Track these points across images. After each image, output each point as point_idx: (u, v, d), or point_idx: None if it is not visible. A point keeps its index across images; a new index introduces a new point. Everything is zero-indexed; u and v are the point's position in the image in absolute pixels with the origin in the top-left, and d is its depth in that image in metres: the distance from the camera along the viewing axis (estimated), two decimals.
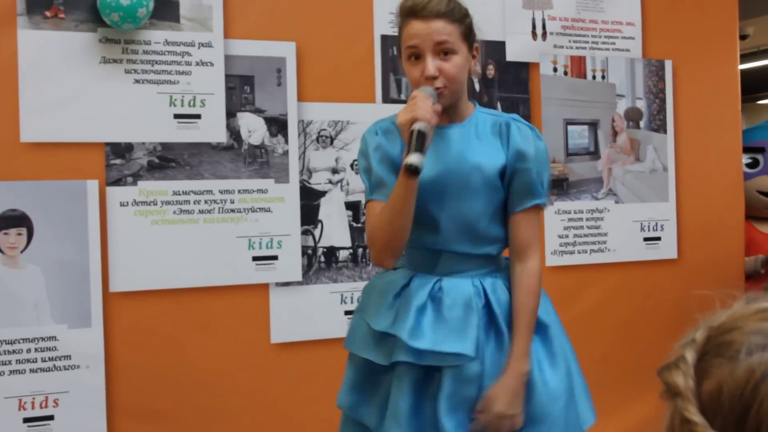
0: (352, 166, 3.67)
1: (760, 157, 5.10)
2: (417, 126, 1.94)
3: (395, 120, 2.07)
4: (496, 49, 4.03)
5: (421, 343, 2.09)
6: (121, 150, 3.28)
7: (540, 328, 2.26)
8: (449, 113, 2.20)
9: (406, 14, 2.10)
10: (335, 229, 3.65)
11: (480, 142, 2.20)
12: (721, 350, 0.87)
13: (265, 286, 3.52)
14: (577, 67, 4.22)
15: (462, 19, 2.14)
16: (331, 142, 3.65)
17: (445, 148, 2.19)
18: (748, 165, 5.04)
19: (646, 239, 4.36)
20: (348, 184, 3.67)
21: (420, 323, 2.11)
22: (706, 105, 4.54)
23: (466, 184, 2.16)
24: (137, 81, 3.29)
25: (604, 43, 4.29)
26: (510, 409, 2.11)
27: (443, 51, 2.07)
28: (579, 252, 4.21)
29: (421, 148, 1.92)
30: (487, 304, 2.19)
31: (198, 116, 3.40)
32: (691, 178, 4.49)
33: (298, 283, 3.57)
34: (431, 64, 2.05)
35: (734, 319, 0.90)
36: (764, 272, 4.66)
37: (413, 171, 1.92)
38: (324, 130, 3.63)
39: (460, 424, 2.10)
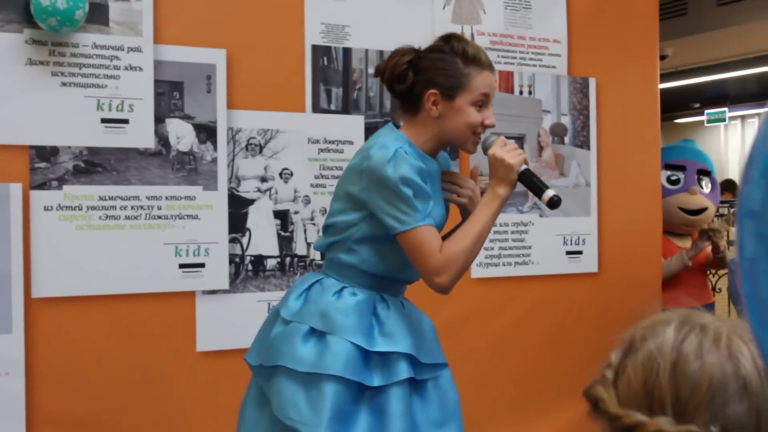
0: (281, 174, 3.70)
1: (681, 175, 5.27)
2: (526, 166, 2.28)
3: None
4: None
5: (422, 358, 2.23)
6: (46, 153, 3.26)
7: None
8: (438, 150, 2.41)
9: (482, 63, 2.29)
10: (263, 238, 3.67)
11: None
12: (628, 350, 1.05)
13: (191, 294, 3.52)
14: (505, 82, 4.32)
15: None
16: (261, 151, 3.67)
17: (436, 183, 2.40)
18: (670, 182, 5.20)
19: (568, 253, 4.48)
20: (276, 192, 3.70)
21: (414, 342, 2.24)
22: (628, 122, 4.69)
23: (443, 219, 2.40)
24: (64, 84, 3.28)
25: (531, 59, 4.40)
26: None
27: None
28: (504, 264, 4.30)
29: (546, 184, 2.26)
30: None
31: (126, 121, 3.39)
32: (612, 193, 4.63)
33: (225, 292, 3.58)
34: (492, 114, 2.32)
35: (635, 328, 1.10)
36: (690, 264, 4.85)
37: (559, 201, 2.24)
38: (253, 138, 3.65)
39: None
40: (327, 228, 2.42)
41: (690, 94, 9.79)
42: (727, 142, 12.01)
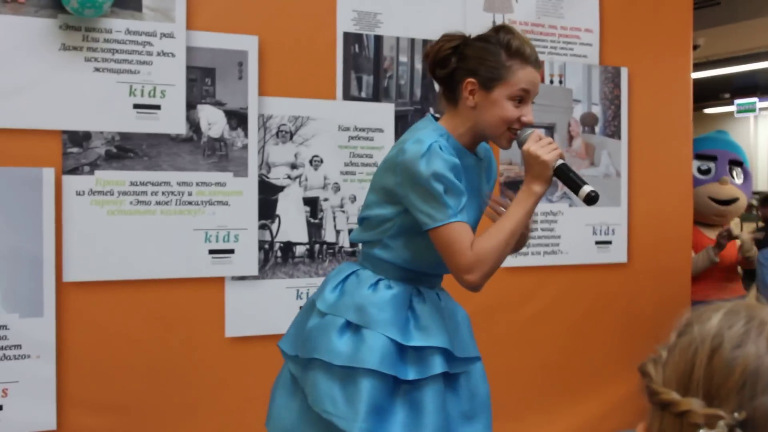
0: (311, 162, 3.70)
1: (712, 164, 5.23)
2: (562, 161, 2.20)
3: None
4: None
5: (457, 352, 2.23)
6: (78, 138, 3.27)
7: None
8: (475, 143, 2.35)
9: (526, 57, 2.22)
10: (292, 225, 3.67)
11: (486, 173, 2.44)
12: (680, 333, 1.06)
13: (220, 280, 3.53)
14: None
15: None
16: (291, 138, 3.66)
17: (479, 181, 2.38)
18: (701, 172, 5.16)
19: (597, 243, 4.45)
20: (306, 179, 3.70)
21: (449, 336, 2.24)
22: (660, 112, 4.66)
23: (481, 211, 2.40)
24: (97, 69, 3.28)
25: (562, 48, 4.37)
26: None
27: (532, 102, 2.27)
28: (533, 254, 4.28)
29: (582, 179, 2.20)
30: None
31: (158, 107, 3.40)
32: (643, 183, 4.59)
33: (254, 278, 3.59)
34: (531, 112, 2.24)
35: (690, 314, 1.09)
36: (718, 260, 4.80)
37: (596, 197, 2.17)
38: (284, 125, 3.65)
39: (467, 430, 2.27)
40: (362, 221, 2.39)
41: (720, 84, 9.70)
42: (757, 133, 11.87)
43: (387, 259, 2.29)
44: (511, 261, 4.15)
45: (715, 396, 0.96)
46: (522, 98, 2.20)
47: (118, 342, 3.35)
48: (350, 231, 3.78)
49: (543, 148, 2.15)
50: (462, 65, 2.25)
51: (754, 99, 10.17)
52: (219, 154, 3.52)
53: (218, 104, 3.53)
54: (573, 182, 2.19)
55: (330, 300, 2.29)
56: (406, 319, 2.21)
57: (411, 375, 2.16)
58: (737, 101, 10.34)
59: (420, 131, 2.25)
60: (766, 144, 11.62)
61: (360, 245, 2.46)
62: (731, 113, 10.73)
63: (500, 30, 2.26)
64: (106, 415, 3.33)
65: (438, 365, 2.17)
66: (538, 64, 2.26)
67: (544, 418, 4.21)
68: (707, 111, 13.07)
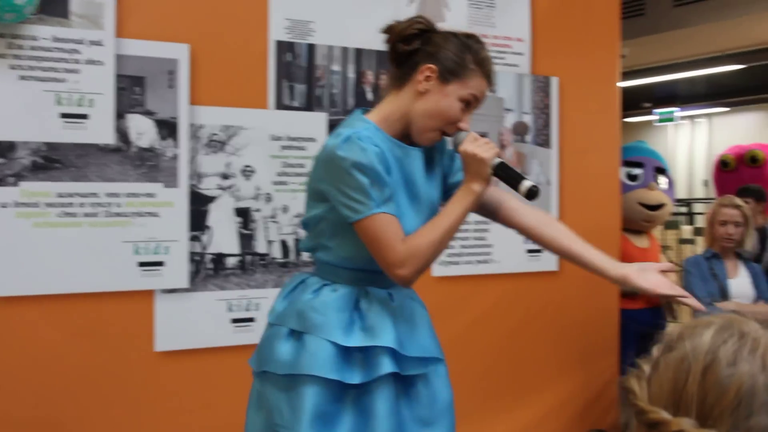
0: (242, 172, 3.65)
1: (640, 171, 5.32)
2: (500, 159, 2.22)
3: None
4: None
5: (408, 351, 2.15)
6: (2, 149, 3.18)
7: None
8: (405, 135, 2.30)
9: (487, 72, 2.31)
10: (224, 236, 3.62)
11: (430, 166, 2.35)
12: (666, 348, 1.03)
13: (150, 293, 3.47)
14: None
15: None
16: (222, 147, 3.61)
17: (421, 174, 2.30)
18: (630, 178, 5.25)
19: (529, 251, 4.48)
20: (238, 190, 3.65)
21: (398, 333, 2.16)
22: (589, 121, 4.72)
23: (433, 203, 2.34)
24: (22, 77, 3.20)
25: (494, 57, 4.33)
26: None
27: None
28: (465, 263, 4.29)
29: (522, 175, 2.19)
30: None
31: (85, 116, 3.32)
32: (573, 192, 4.65)
33: (185, 290, 3.53)
34: (467, 120, 2.28)
35: (677, 326, 1.07)
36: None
37: (538, 192, 2.17)
38: (215, 134, 3.60)
39: None
40: (304, 226, 2.36)
41: (641, 94, 9.89)
42: (676, 141, 12.16)
43: (329, 262, 2.25)
44: (443, 270, 4.19)
45: (708, 416, 0.94)
46: (469, 103, 2.25)
47: (43, 358, 3.26)
48: (282, 242, 3.74)
49: (480, 147, 2.17)
50: (426, 48, 2.26)
51: (674, 108, 10.40)
52: (149, 165, 3.45)
53: (148, 113, 3.46)
54: (512, 178, 2.18)
55: (278, 310, 2.28)
56: (351, 321, 2.15)
57: (357, 378, 2.10)
58: (657, 111, 10.56)
59: (343, 125, 2.24)
60: (684, 152, 11.91)
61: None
62: (651, 122, 10.96)
63: (472, 37, 2.33)
64: None
65: (385, 366, 2.11)
66: (491, 83, 2.32)
67: (480, 426, 4.23)
68: (628, 120, 13.33)
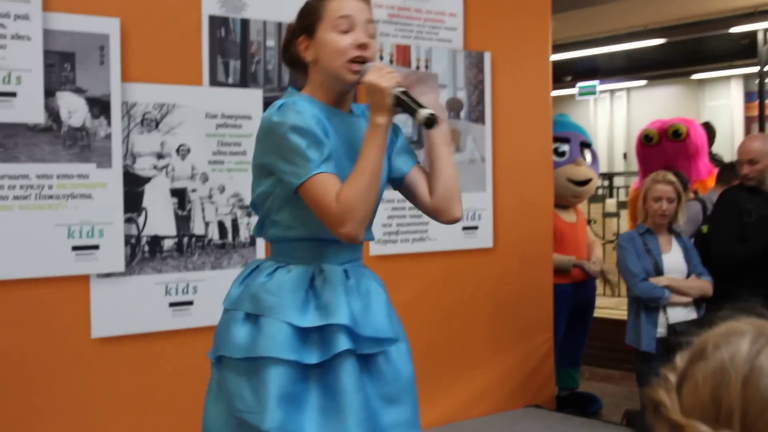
0: (177, 151, 3.59)
1: (566, 147, 5.41)
2: (401, 89, 2.09)
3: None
4: None
5: (363, 330, 2.12)
6: None
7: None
8: (346, 101, 2.26)
9: None
10: (160, 218, 3.57)
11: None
12: (697, 357, 1.00)
13: (85, 278, 3.40)
14: (402, 56, 4.32)
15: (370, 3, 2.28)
16: (156, 126, 3.55)
17: (356, 139, 2.22)
18: (557, 154, 5.33)
19: (464, 228, 4.53)
20: (174, 170, 3.60)
21: (353, 311, 2.13)
22: (521, 96, 4.80)
23: None
24: None
25: (428, 33, 4.41)
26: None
27: (370, 33, 2.19)
28: (402, 241, 4.31)
29: (422, 104, 2.08)
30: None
31: (13, 94, 3.23)
32: (506, 168, 4.71)
33: (121, 274, 3.47)
34: (364, 35, 2.16)
35: (706, 334, 1.03)
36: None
37: (435, 120, 2.08)
38: (149, 112, 3.53)
39: (390, 414, 2.17)
40: (252, 207, 2.34)
41: (563, 68, 10.02)
42: (597, 115, 12.40)
43: (280, 237, 2.24)
44: (380, 249, 4.20)
45: (751, 428, 0.92)
46: (346, 26, 2.16)
47: None
48: (219, 222, 3.70)
49: (381, 76, 2.09)
50: (293, 36, 2.28)
51: (595, 82, 10.58)
52: (81, 145, 3.37)
53: (79, 91, 3.38)
54: (411, 108, 2.10)
55: (233, 295, 2.25)
56: (306, 301, 2.14)
57: (314, 358, 2.09)
58: (579, 84, 10.73)
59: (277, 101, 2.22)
60: (604, 126, 12.15)
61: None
62: (573, 96, 11.13)
63: None
64: None
65: (342, 343, 2.09)
66: None
67: (420, 403, 4.25)
68: (553, 93, 13.49)
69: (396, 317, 2.33)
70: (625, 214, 7.28)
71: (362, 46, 2.14)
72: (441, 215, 2.33)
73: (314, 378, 2.11)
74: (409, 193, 2.37)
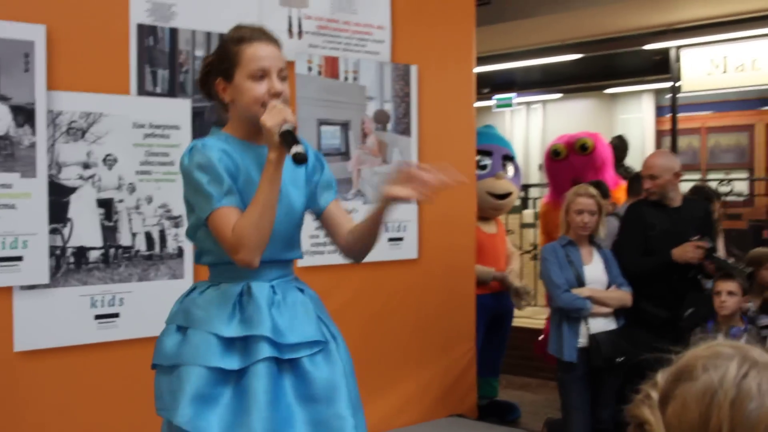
0: (104, 161, 3.54)
1: (488, 160, 5.49)
2: (287, 126, 2.21)
3: (202, 147, 2.30)
4: None
5: (286, 338, 2.30)
6: None
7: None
8: (261, 135, 2.33)
9: (249, 38, 2.35)
10: (86, 228, 3.51)
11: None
12: (682, 377, 1.03)
13: (8, 290, 3.33)
14: (331, 67, 4.33)
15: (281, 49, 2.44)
16: (83, 135, 3.50)
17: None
18: (479, 167, 5.41)
19: (390, 240, 4.56)
20: (100, 180, 3.55)
21: (276, 322, 2.31)
22: (446, 109, 4.87)
23: (292, 204, 2.44)
24: None
25: (356, 45, 4.43)
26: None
27: (282, 76, 2.35)
28: (329, 252, 4.31)
29: (299, 141, 2.20)
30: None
31: None
32: None
33: (45, 286, 3.41)
34: (278, 83, 2.32)
35: (691, 355, 1.06)
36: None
37: (303, 159, 2.17)
38: (75, 121, 3.48)
39: (313, 411, 2.33)
40: (188, 237, 2.51)
41: (481, 80, 10.14)
42: (513, 127, 12.56)
43: (213, 262, 2.42)
44: (308, 260, 4.20)
45: None
46: (261, 73, 2.31)
47: None
48: (147, 234, 3.66)
49: (269, 114, 2.23)
50: (211, 75, 2.43)
51: (512, 95, 10.73)
52: (4, 154, 3.30)
53: (2, 99, 3.31)
54: (288, 144, 2.21)
55: (172, 312, 2.45)
56: (232, 315, 2.31)
57: (236, 364, 2.27)
58: (496, 96, 10.87)
59: None
60: (520, 138, 12.32)
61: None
62: (490, 108, 11.27)
63: (231, 30, 2.43)
64: None
65: (263, 351, 2.26)
66: (267, 40, 2.37)
67: None
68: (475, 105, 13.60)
69: (328, 320, 2.53)
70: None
71: (276, 94, 2.30)
72: (351, 258, 2.60)
73: (233, 382, 2.29)
74: (327, 227, 2.59)
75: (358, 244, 2.53)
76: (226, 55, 2.37)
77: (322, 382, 2.35)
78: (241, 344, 2.30)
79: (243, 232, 2.21)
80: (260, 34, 2.37)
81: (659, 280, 4.29)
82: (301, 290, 2.49)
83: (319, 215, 2.57)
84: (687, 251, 4.21)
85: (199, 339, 2.30)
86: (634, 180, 5.38)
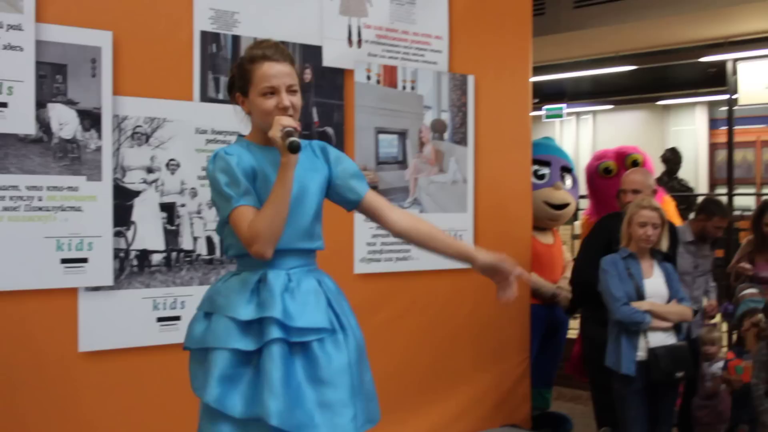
0: (167, 165, 3.57)
1: (547, 170, 5.45)
2: (286, 129, 2.43)
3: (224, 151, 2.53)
4: (313, 53, 4.06)
5: (295, 322, 2.48)
6: None
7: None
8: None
9: (260, 58, 2.56)
10: (149, 232, 3.54)
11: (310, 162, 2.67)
12: None
13: (73, 291, 3.36)
14: (389, 76, 4.33)
15: (295, 63, 2.66)
16: (147, 140, 3.53)
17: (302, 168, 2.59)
18: (537, 176, 5.36)
19: None
20: (163, 184, 3.57)
21: (286, 306, 2.50)
22: (502, 119, 4.83)
23: (306, 198, 2.62)
24: None
25: (414, 54, 4.42)
26: None
27: (292, 91, 2.56)
28: (385, 260, 4.31)
29: (294, 136, 2.41)
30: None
31: (4, 105, 3.20)
32: (487, 189, 4.73)
33: (109, 288, 3.43)
34: (286, 98, 2.53)
35: None
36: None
37: (297, 146, 2.38)
38: (140, 126, 3.51)
39: (319, 393, 2.50)
40: (218, 233, 2.73)
41: (532, 91, 10.10)
42: (562, 137, 12.49)
43: (236, 254, 2.62)
44: (364, 267, 4.20)
45: None
46: (271, 91, 2.53)
47: None
48: (208, 238, 3.68)
49: (273, 128, 2.45)
50: (233, 88, 2.68)
51: (562, 105, 10.67)
52: (71, 157, 3.34)
53: (70, 103, 3.34)
54: (284, 141, 2.40)
55: (201, 300, 2.67)
56: (249, 300, 2.52)
57: (252, 346, 2.48)
58: (546, 107, 10.81)
59: None
60: (570, 148, 12.21)
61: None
62: (540, 118, 11.21)
63: (248, 48, 2.66)
64: None
65: (273, 332, 2.46)
66: (277, 57, 2.56)
67: (397, 422, 4.24)
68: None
69: (342, 312, 2.64)
70: None
71: (284, 109, 2.52)
72: (406, 240, 2.78)
73: (254, 362, 2.50)
74: (369, 216, 2.77)
75: (416, 243, 2.79)
76: (241, 73, 2.61)
77: (329, 367, 2.53)
78: (257, 327, 2.50)
79: (257, 228, 2.43)
80: (273, 53, 2.57)
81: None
82: (319, 281, 2.64)
83: (356, 206, 2.73)
84: None
85: (220, 323, 2.52)
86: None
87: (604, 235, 4.52)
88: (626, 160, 5.81)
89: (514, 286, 2.75)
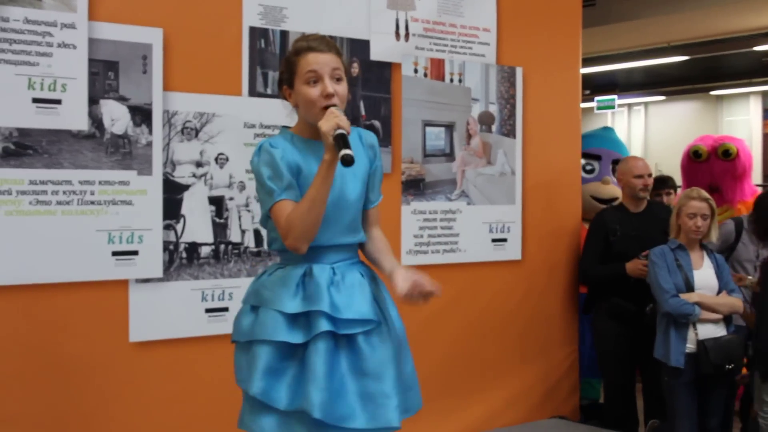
0: (216, 159, 3.57)
1: (596, 164, 5.36)
2: (340, 130, 2.36)
3: (274, 140, 2.53)
4: (361, 47, 4.03)
5: (342, 314, 2.47)
6: None
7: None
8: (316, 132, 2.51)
9: (303, 49, 2.54)
10: (198, 225, 3.55)
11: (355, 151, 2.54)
12: None
13: (124, 282, 3.38)
14: (436, 69, 4.28)
15: (342, 55, 2.61)
16: (196, 135, 3.53)
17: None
18: (585, 171, 5.28)
19: (494, 240, 4.49)
20: (212, 178, 3.57)
21: (333, 299, 2.49)
22: (551, 111, 4.76)
23: (350, 193, 2.60)
24: None
25: (462, 47, 4.37)
26: None
27: (336, 77, 2.52)
28: (433, 252, 4.28)
29: (349, 145, 2.34)
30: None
31: (58, 101, 3.22)
32: (536, 181, 4.67)
33: (159, 280, 3.45)
34: (330, 85, 2.49)
35: None
36: None
37: (351, 161, 2.30)
38: (189, 121, 3.51)
39: (362, 385, 2.49)
40: (262, 226, 2.72)
41: (583, 82, 9.98)
42: (614, 128, 12.28)
43: (280, 248, 2.59)
44: (411, 259, 4.16)
45: None
46: (314, 79, 2.50)
47: (15, 349, 3.16)
48: (255, 231, 3.68)
49: (326, 119, 2.39)
50: (282, 83, 2.64)
51: (613, 96, 10.52)
52: (122, 152, 3.36)
53: (122, 99, 3.36)
54: (340, 148, 2.33)
55: (247, 293, 2.66)
56: (295, 293, 2.51)
57: (300, 338, 2.46)
58: (597, 98, 10.68)
59: None
60: (622, 139, 12.06)
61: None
62: (591, 109, 11.07)
63: (295, 41, 2.64)
64: (3, 427, 3.12)
65: (322, 325, 2.44)
66: (322, 48, 2.53)
67: (445, 413, 4.23)
68: (583, 105, 13.43)
69: (384, 304, 2.62)
70: None
71: (329, 96, 2.47)
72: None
73: (298, 356, 2.49)
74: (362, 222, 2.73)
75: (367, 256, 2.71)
76: (287, 66, 2.59)
77: (374, 359, 2.51)
78: (304, 320, 2.49)
79: (292, 222, 2.42)
80: (318, 44, 2.55)
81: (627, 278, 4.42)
82: (362, 273, 2.63)
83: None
84: (637, 267, 4.34)
85: (267, 316, 2.50)
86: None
87: (601, 229, 4.60)
88: (718, 148, 5.67)
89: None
